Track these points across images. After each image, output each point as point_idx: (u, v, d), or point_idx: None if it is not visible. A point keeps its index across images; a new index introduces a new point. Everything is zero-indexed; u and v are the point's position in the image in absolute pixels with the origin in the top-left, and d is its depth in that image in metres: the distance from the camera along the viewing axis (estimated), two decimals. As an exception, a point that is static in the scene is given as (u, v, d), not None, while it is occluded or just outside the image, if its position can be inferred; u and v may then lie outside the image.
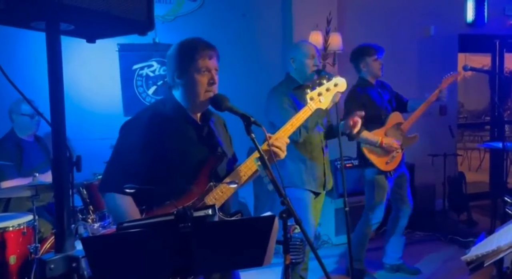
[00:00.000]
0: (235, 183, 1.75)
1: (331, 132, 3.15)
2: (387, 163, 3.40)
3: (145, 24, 1.36)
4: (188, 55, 1.79)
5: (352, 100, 3.36)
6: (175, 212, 1.18)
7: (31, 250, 2.74)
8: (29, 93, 2.67)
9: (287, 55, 3.05)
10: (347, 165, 4.65)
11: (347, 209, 2.68)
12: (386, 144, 3.33)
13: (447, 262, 3.73)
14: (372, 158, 3.37)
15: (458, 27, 5.60)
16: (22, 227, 2.83)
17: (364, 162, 3.47)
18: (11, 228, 2.79)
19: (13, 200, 3.23)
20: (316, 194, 3.08)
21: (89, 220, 3.11)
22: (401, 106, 3.65)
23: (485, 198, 5.70)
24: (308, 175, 3.00)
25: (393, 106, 3.58)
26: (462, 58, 9.72)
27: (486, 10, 5.60)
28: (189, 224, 1.18)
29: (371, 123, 3.31)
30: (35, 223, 2.77)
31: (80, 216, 3.11)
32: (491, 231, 3.19)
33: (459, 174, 5.23)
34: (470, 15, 5.62)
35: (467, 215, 5.05)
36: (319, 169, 3.04)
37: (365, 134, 3.29)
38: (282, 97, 2.90)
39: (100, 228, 3.00)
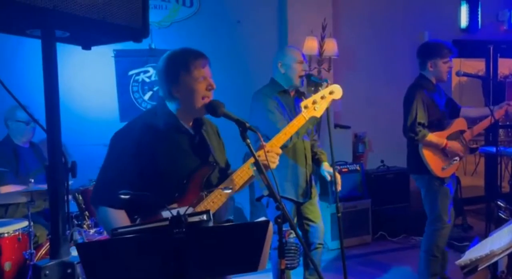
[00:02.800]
0: (229, 188, 1.75)
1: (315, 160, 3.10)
2: (443, 169, 3.20)
3: (140, 31, 1.37)
4: (182, 69, 1.78)
5: (418, 101, 3.16)
6: (169, 217, 1.18)
7: (27, 257, 2.74)
8: (23, 99, 2.68)
9: (275, 60, 3.01)
10: (343, 170, 4.66)
11: (339, 215, 2.65)
12: (450, 148, 3.18)
13: (447, 267, 3.73)
14: (430, 161, 3.17)
15: (452, 32, 5.64)
16: (17, 233, 2.82)
17: (418, 168, 3.25)
18: (6, 235, 2.78)
19: (11, 206, 3.23)
20: (297, 203, 2.98)
21: (85, 226, 3.10)
22: (455, 112, 3.46)
23: (480, 202, 5.72)
24: (290, 182, 2.92)
25: (448, 110, 3.40)
26: (458, 63, 9.78)
27: (479, 16, 5.66)
28: (184, 229, 1.18)
29: (432, 127, 3.19)
30: (31, 229, 2.76)
31: (76, 222, 3.10)
32: (485, 235, 3.21)
33: (454, 178, 5.24)
34: (464, 21, 5.67)
35: (462, 220, 5.07)
36: (301, 177, 2.96)
37: (430, 137, 3.14)
38: (267, 99, 2.85)
39: (96, 234, 3.00)
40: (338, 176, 2.85)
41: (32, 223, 2.79)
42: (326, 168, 2.99)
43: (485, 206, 4.99)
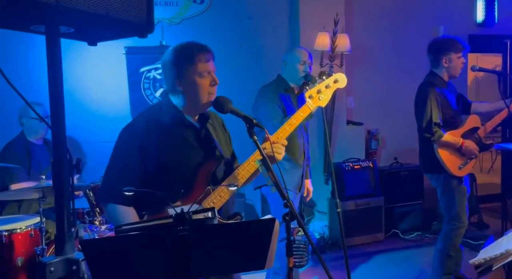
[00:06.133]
0: (234, 186, 1.73)
1: None
2: (460, 168, 3.15)
3: (145, 27, 1.36)
4: (186, 61, 1.78)
5: (432, 100, 3.09)
6: (174, 215, 1.17)
7: (38, 252, 2.76)
8: (39, 96, 2.70)
9: (282, 58, 3.15)
10: (355, 166, 4.62)
11: (339, 210, 2.67)
12: (466, 147, 3.12)
13: (462, 265, 3.67)
14: (447, 161, 3.11)
15: (468, 27, 5.53)
16: (29, 229, 2.85)
17: (433, 167, 3.20)
18: (18, 230, 2.81)
19: (24, 202, 3.27)
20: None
21: (96, 222, 3.11)
22: (466, 108, 3.40)
23: (496, 200, 5.61)
24: (289, 174, 2.99)
25: (459, 107, 3.35)
26: (474, 58, 9.56)
27: (496, 10, 5.53)
28: (188, 227, 1.17)
29: (446, 125, 3.14)
30: (42, 225, 2.78)
31: (87, 218, 3.12)
32: (502, 233, 3.13)
33: (470, 175, 5.15)
34: (480, 15, 5.55)
35: (478, 218, 4.98)
36: (298, 171, 3.07)
37: (446, 137, 3.09)
38: (271, 95, 2.97)
39: (107, 231, 3.01)
40: (311, 190, 3.23)
41: (44, 219, 2.81)
42: (307, 185, 3.22)
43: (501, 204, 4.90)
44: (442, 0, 5.35)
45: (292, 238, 1.64)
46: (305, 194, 3.20)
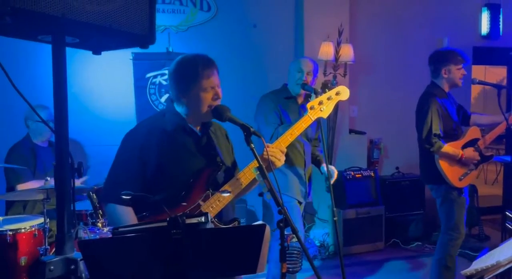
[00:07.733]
0: (228, 192, 1.79)
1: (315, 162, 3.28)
2: (460, 179, 3.18)
3: (146, 38, 1.43)
4: (190, 76, 1.83)
5: (433, 111, 3.13)
6: (167, 218, 1.22)
7: (41, 252, 2.82)
8: (45, 100, 2.76)
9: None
10: (357, 175, 4.65)
11: (335, 218, 2.71)
12: (466, 158, 3.15)
13: (456, 276, 3.68)
14: (447, 172, 3.13)
15: (473, 39, 5.55)
16: (33, 229, 2.91)
17: (434, 178, 3.22)
18: (23, 230, 2.87)
19: (29, 203, 3.34)
20: (299, 203, 3.16)
21: (99, 224, 3.17)
22: (465, 119, 3.43)
23: (499, 212, 5.61)
24: (292, 183, 3.05)
25: (460, 118, 3.38)
26: (482, 70, 9.53)
27: (501, 23, 5.55)
28: (181, 231, 1.22)
29: (446, 137, 3.17)
30: (46, 226, 2.84)
31: (90, 220, 3.18)
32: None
33: (471, 187, 5.16)
34: (484, 28, 5.57)
35: (478, 229, 4.98)
36: (301, 179, 3.11)
37: (446, 149, 3.11)
38: (270, 104, 3.07)
39: (109, 233, 3.06)
40: (336, 172, 3.05)
41: (48, 220, 2.87)
42: (329, 168, 3.16)
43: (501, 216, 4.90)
44: (447, 12, 5.38)
45: (286, 244, 1.69)
46: (334, 178, 3.06)
